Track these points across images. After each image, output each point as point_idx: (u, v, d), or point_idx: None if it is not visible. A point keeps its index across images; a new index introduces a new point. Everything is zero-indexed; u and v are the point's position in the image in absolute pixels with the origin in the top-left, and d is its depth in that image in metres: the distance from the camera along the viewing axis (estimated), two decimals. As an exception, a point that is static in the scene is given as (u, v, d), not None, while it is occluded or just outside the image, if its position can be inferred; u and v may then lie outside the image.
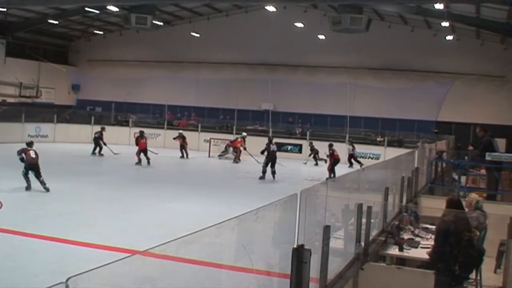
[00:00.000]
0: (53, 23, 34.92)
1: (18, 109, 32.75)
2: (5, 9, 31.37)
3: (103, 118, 36.07)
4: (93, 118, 34.37)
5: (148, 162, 23.34)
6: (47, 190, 15.45)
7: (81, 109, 38.95)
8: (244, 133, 29.39)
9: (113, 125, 35.09)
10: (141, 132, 24.93)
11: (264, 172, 21.20)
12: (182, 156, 27.94)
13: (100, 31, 39.20)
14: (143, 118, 36.82)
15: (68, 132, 32.35)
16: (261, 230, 5.06)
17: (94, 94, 39.68)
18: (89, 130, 31.62)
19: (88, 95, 40.12)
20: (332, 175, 21.57)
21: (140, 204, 14.78)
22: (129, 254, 3.51)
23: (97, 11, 32.96)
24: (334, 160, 22.54)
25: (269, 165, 21.15)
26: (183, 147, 28.29)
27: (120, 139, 29.37)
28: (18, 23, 34.96)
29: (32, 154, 15.93)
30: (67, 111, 37.08)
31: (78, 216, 12.85)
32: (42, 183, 15.55)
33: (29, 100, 37.04)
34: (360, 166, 25.81)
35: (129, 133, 32.35)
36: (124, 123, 34.96)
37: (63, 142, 31.00)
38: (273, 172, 21.21)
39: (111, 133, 30.01)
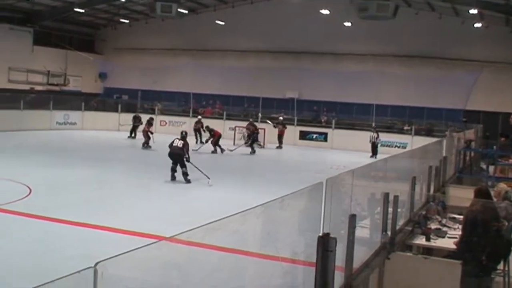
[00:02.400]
0: (79, 12, 35.14)
1: (46, 97, 33.20)
2: (32, -2, 31.79)
3: (129, 106, 36.37)
4: (119, 106, 34.71)
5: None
6: (188, 182, 16.15)
7: (108, 97, 39.35)
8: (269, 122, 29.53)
9: (140, 113, 35.33)
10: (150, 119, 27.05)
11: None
12: (202, 142, 28.16)
13: (126, 19, 39.38)
14: (169, 106, 37.00)
15: (95, 120, 32.73)
16: (286, 218, 5.05)
17: (120, 82, 39.97)
18: (115, 118, 31.94)
19: (115, 83, 40.43)
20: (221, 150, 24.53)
21: (166, 191, 14.90)
22: (156, 240, 3.55)
23: (123, 0, 33.12)
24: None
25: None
26: (198, 131, 28.59)
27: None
28: (45, 12, 35.30)
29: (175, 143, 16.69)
30: (94, 99, 37.48)
31: (107, 202, 13.01)
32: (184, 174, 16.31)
33: (57, 88, 37.46)
34: (373, 156, 25.76)
35: (155, 121, 32.55)
36: (150, 111, 35.19)
37: (91, 130, 31.36)
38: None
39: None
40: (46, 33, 36.88)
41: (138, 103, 37.79)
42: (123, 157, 22.16)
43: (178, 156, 16.31)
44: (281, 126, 29.05)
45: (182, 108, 36.73)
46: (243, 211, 3.99)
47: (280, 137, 28.96)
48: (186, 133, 17.60)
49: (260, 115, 32.81)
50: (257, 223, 4.58)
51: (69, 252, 8.70)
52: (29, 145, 22.70)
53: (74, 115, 33.24)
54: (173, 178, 16.33)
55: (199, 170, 16.23)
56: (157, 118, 32.42)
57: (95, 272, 2.60)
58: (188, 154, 16.57)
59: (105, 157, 21.40)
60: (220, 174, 18.64)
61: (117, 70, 40.09)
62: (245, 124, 29.19)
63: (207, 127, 26.35)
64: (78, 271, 2.56)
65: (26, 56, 35.11)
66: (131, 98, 38.77)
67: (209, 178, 16.07)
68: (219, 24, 36.46)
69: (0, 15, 33.29)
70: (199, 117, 30.21)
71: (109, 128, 32.27)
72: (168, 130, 31.39)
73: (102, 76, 41.31)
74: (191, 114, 33.68)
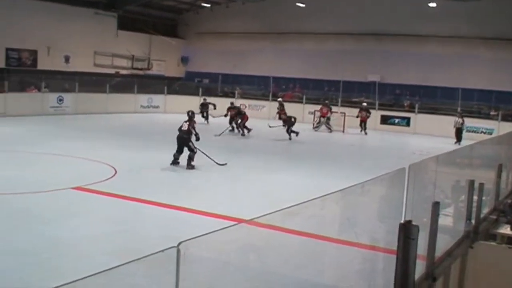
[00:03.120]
0: (163, -4, 35.84)
1: (130, 81, 34.25)
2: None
3: (210, 89, 36.91)
4: (200, 89, 35.29)
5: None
6: (191, 167, 15.15)
7: (189, 81, 40.07)
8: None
9: (220, 96, 35.84)
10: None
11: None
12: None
13: (207, 3, 39.79)
14: (248, 90, 37.25)
15: (177, 103, 33.41)
16: (366, 204, 4.98)
17: (201, 66, 40.56)
18: (197, 102, 32.51)
19: (196, 67, 41.08)
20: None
21: (246, 174, 15.05)
22: (235, 223, 3.58)
23: (206, -16, 33.48)
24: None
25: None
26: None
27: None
28: (129, -4, 36.23)
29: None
30: (177, 83, 38.27)
31: (187, 184, 13.31)
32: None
33: (140, 72, 38.46)
34: (458, 142, 24.96)
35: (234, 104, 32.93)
36: (230, 94, 35.57)
37: (173, 113, 32.08)
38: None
39: (218, 104, 30.67)
40: (130, 18, 37.83)
41: (219, 87, 38.28)
42: (204, 140, 22.48)
43: (183, 140, 15.33)
44: (364, 112, 28.59)
45: (261, 92, 36.89)
46: (322, 196, 3.96)
47: (363, 123, 28.42)
48: (193, 112, 16.22)
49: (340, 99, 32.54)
50: (337, 208, 4.55)
51: (152, 232, 8.96)
52: (114, 127, 23.50)
53: (157, 99, 34.13)
54: (175, 163, 15.25)
55: (205, 154, 15.35)
56: (237, 102, 32.70)
57: (178, 251, 2.65)
58: (195, 132, 15.55)
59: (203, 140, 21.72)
60: (298, 159, 18.66)
61: (199, 54, 40.71)
62: (324, 108, 29.04)
63: (237, 108, 26.16)
64: (162, 250, 2.62)
65: (111, 41, 36.22)
66: (212, 82, 39.30)
67: (219, 164, 15.44)
68: (300, 7, 36.15)
69: (86, 0, 34.47)
70: (279, 99, 30.27)
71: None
72: (247, 113, 31.60)
73: (184, 60, 42.05)
74: (270, 98, 33.80)
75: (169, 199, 11.17)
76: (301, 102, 33.31)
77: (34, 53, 32.06)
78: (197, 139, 15.46)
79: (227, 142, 22.19)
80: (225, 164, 15.50)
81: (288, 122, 23.77)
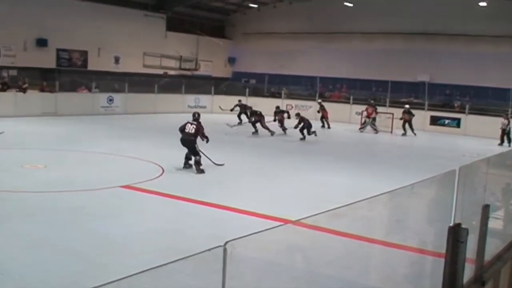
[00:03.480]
0: (211, -2, 36.15)
1: (178, 81, 34.67)
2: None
3: (257, 90, 37.02)
4: (247, 90, 35.43)
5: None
6: (201, 172, 14.34)
7: (236, 81, 40.27)
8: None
9: (266, 97, 35.92)
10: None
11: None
12: (323, 126, 28.10)
13: (254, 4, 39.92)
14: (295, 90, 37.19)
15: (224, 103, 33.61)
16: (415, 206, 4.92)
17: (248, 67, 40.70)
18: (243, 102, 32.60)
19: (243, 67, 41.25)
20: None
21: (291, 175, 15.02)
22: (281, 223, 3.59)
23: (253, -15, 33.59)
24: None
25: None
26: (324, 117, 28.50)
27: (272, 111, 29.85)
28: (178, -2, 36.69)
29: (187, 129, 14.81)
30: (224, 83, 38.52)
31: (233, 184, 13.36)
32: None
33: (188, 73, 38.92)
34: (502, 143, 24.35)
35: (281, 105, 32.92)
36: (277, 95, 35.58)
37: (219, 113, 32.30)
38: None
39: (264, 105, 30.73)
40: (179, 19, 38.28)
41: (265, 87, 38.35)
42: (248, 140, 22.55)
43: (189, 143, 14.57)
44: (407, 115, 27.99)
45: (308, 92, 36.77)
46: (370, 198, 3.93)
47: (407, 123, 27.78)
48: (198, 114, 15.24)
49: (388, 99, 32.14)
50: (384, 210, 4.51)
51: (199, 231, 9.05)
52: (162, 127, 23.75)
53: (204, 99, 34.44)
54: (186, 165, 14.70)
55: (204, 154, 14.64)
56: (283, 102, 32.72)
57: (225, 251, 2.68)
58: (205, 136, 14.77)
59: (233, 140, 21.91)
60: (343, 159, 18.51)
61: (246, 55, 40.88)
62: (369, 108, 28.72)
63: (250, 108, 25.70)
64: (209, 249, 2.65)
65: (159, 42, 36.80)
66: (259, 82, 39.40)
67: (217, 164, 14.99)
68: (348, 6, 35.90)
69: (135, 1, 35.09)
70: (319, 100, 30.29)
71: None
72: (294, 114, 31.58)
73: (231, 60, 42.30)
74: (317, 98, 33.68)
75: (216, 198, 11.26)
76: (348, 103, 33.05)
77: (84, 53, 32.82)
78: (207, 141, 14.81)
79: (270, 143, 22.20)
80: (223, 164, 15.09)
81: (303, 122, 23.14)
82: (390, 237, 4.63)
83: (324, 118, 28.65)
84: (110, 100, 29.81)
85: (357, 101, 32.76)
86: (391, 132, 27.81)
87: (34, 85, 27.44)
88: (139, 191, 11.83)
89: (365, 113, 28.79)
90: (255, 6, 40.14)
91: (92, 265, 7.39)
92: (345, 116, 31.52)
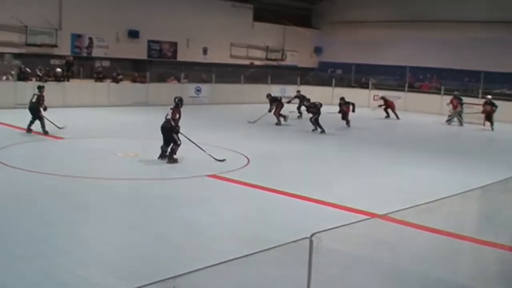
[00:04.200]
0: (298, -13, 35.99)
1: (264, 71, 34.84)
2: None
3: (343, 80, 36.63)
4: (333, 80, 35.12)
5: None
6: (173, 161, 13.56)
7: (322, 71, 39.99)
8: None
9: (353, 87, 35.48)
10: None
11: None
12: (387, 117, 27.67)
13: (343, -7, 39.45)
14: (383, 81, 36.46)
15: (310, 94, 33.40)
16: (508, 202, 4.73)
17: (335, 56, 40.24)
18: (329, 92, 32.38)
19: (330, 57, 40.84)
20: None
21: (378, 167, 14.78)
22: (368, 217, 3.55)
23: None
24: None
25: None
26: (389, 107, 27.94)
27: (359, 101, 29.41)
28: (265, -12, 36.81)
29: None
30: (310, 73, 38.36)
31: (319, 176, 13.29)
32: None
33: (274, 63, 39.01)
34: None
35: (368, 96, 32.47)
36: (364, 85, 35.06)
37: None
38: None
39: (351, 95, 30.38)
40: (265, 9, 38.35)
41: (352, 78, 37.86)
42: (336, 131, 22.37)
43: (166, 130, 13.55)
44: (489, 106, 26.57)
45: (397, 83, 35.95)
46: (461, 193, 3.82)
47: (488, 117, 26.38)
48: (179, 99, 13.96)
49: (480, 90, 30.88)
50: (475, 206, 4.36)
51: (283, 221, 9.09)
52: (248, 117, 23.94)
53: (290, 89, 34.39)
54: (162, 156, 13.73)
55: (202, 149, 13.93)
56: (371, 93, 32.21)
57: (311, 242, 2.68)
58: (175, 125, 13.47)
59: (328, 132, 21.80)
60: (430, 152, 17.99)
61: (332, 44, 40.43)
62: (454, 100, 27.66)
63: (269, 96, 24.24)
64: (295, 241, 2.67)
65: (246, 32, 37.08)
66: (345, 72, 38.92)
67: (218, 160, 13.78)
68: (441, -6, 34.71)
69: (224, -7, 35.54)
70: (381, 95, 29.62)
71: (323, 102, 32.67)
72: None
73: (318, 50, 42.02)
74: (406, 89, 32.89)
75: (301, 190, 11.23)
76: (439, 93, 32.05)
77: (174, 45, 33.60)
78: (176, 132, 13.48)
79: (357, 134, 21.91)
80: (224, 160, 13.93)
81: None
82: (481, 234, 4.47)
83: (344, 114, 26.47)
84: (198, 90, 30.40)
85: (447, 92, 31.66)
86: (483, 124, 26.71)
87: (126, 75, 28.41)
88: (226, 181, 12.03)
89: (450, 106, 27.75)
90: (343, -6, 39.64)
91: (180, 252, 7.60)
92: (436, 107, 30.57)
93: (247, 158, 14.62)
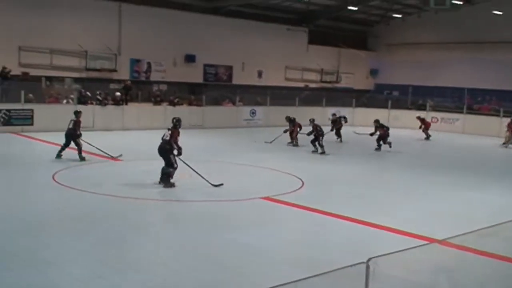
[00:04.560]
0: (353, 10, 36.00)
1: (319, 94, 34.89)
2: (307, -1, 33.56)
3: (399, 102, 36.20)
4: (390, 102, 34.75)
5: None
6: (170, 186, 13.09)
7: (378, 93, 39.65)
8: None
9: (409, 109, 35.01)
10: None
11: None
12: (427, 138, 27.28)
13: (398, 14, 39.19)
14: (441, 102, 35.83)
15: (365, 116, 33.26)
16: None
17: (391, 78, 39.89)
18: (385, 114, 32.05)
19: (386, 79, 40.51)
20: None
21: (435, 191, 14.43)
22: (426, 242, 3.48)
23: (396, -5, 33.01)
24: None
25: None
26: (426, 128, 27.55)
27: (416, 123, 28.95)
28: (319, 11, 36.92)
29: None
30: (365, 95, 38.09)
31: (377, 200, 13.04)
32: None
33: (329, 85, 39.00)
34: None
35: (426, 117, 31.96)
36: (422, 107, 34.56)
37: (360, 126, 31.98)
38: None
39: (407, 117, 30.03)
40: (320, 32, 38.51)
41: (409, 99, 37.36)
42: (393, 154, 22.06)
43: (164, 152, 13.10)
44: None
45: (455, 104, 35.25)
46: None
47: None
48: (178, 120, 13.60)
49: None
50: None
51: (338, 245, 8.97)
52: (302, 139, 23.83)
53: (345, 112, 34.22)
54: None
55: (198, 173, 13.28)
56: (428, 115, 31.70)
57: (367, 267, 2.64)
58: (177, 145, 13.09)
59: (377, 154, 21.58)
60: (487, 176, 17.46)
61: (388, 66, 40.14)
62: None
63: (287, 117, 23.99)
64: (351, 265, 2.63)
65: (301, 55, 37.30)
66: (402, 94, 38.46)
67: (214, 185, 13.05)
68: (497, 14, 34.03)
69: (278, 16, 35.86)
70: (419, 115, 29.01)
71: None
72: (439, 127, 30.55)
73: (374, 72, 41.77)
74: (465, 111, 32.22)
75: (356, 213, 11.08)
76: (498, 115, 31.22)
77: (229, 68, 34.11)
78: (179, 153, 13.12)
79: (411, 157, 21.54)
80: (221, 184, 13.15)
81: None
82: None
83: (381, 137, 25.50)
84: (253, 113, 30.62)
85: (507, 114, 30.81)
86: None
87: (182, 99, 28.90)
88: (279, 203, 11.98)
89: (506, 128, 26.84)
90: (399, 16, 39.39)
91: (233, 275, 7.59)
92: (494, 130, 29.76)
93: (301, 180, 14.56)
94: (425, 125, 27.85)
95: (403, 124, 29.74)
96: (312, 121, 21.60)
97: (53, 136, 18.95)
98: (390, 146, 21.98)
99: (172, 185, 13.03)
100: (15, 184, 13.00)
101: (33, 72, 26.23)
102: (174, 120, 13.53)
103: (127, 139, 22.62)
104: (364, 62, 40.72)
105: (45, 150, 18.84)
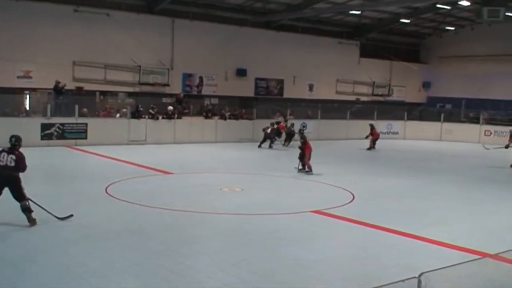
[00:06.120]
0: (405, 22, 35.68)
1: (370, 107, 34.58)
2: (359, 12, 33.38)
3: (452, 115, 35.57)
4: (442, 115, 34.19)
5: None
6: None
7: (431, 106, 39.04)
8: None
9: (463, 122, 34.36)
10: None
11: None
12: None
13: (451, 27, 38.63)
14: (495, 115, 35.01)
15: (417, 129, 32.82)
16: None
17: (444, 91, 39.26)
18: (438, 127, 31.53)
19: (438, 92, 39.89)
20: None
21: (492, 206, 14.10)
22: (479, 256, 3.44)
23: (449, 7, 32.54)
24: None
25: None
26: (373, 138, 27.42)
27: (469, 137, 28.40)
28: (371, 24, 36.74)
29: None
30: (417, 109, 37.57)
31: (429, 214, 12.84)
32: None
33: (381, 98, 38.65)
34: None
35: (479, 130, 31.32)
36: (475, 120, 33.85)
37: (412, 139, 31.58)
38: None
39: (460, 130, 29.45)
40: (372, 45, 38.25)
41: (462, 112, 36.65)
42: (446, 168, 21.69)
43: (12, 181, 10.22)
44: None
45: (510, 117, 34.38)
46: None
47: None
48: (16, 139, 10.39)
49: None
50: None
51: (389, 260, 8.88)
52: (354, 153, 23.82)
53: (396, 125, 33.92)
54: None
55: (40, 207, 10.41)
56: (482, 128, 31.02)
57: (419, 282, 2.65)
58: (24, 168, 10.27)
59: (429, 167, 21.26)
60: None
61: (441, 79, 39.51)
62: None
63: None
64: (402, 280, 2.64)
65: (352, 68, 37.12)
66: (455, 107, 37.77)
67: (59, 218, 10.51)
68: (554, 26, 33.09)
69: (330, 30, 35.81)
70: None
71: (430, 138, 32.08)
72: (493, 140, 29.80)
73: (426, 85, 41.20)
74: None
75: (407, 227, 10.94)
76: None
77: (280, 82, 34.24)
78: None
79: (472, 171, 21.09)
80: (71, 215, 10.71)
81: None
82: None
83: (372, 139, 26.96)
84: (303, 126, 30.60)
85: None
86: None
87: (235, 116, 28.94)
88: (330, 217, 11.95)
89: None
90: (452, 29, 38.81)
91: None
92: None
93: (352, 194, 14.47)
94: (372, 135, 27.22)
95: (455, 137, 29.21)
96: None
97: (106, 149, 19.40)
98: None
99: (34, 222, 10.21)
100: (68, 196, 13.21)
101: (87, 86, 26.90)
102: (14, 140, 10.44)
103: (178, 152, 22.96)
104: (416, 74, 40.20)
105: (98, 163, 19.32)
